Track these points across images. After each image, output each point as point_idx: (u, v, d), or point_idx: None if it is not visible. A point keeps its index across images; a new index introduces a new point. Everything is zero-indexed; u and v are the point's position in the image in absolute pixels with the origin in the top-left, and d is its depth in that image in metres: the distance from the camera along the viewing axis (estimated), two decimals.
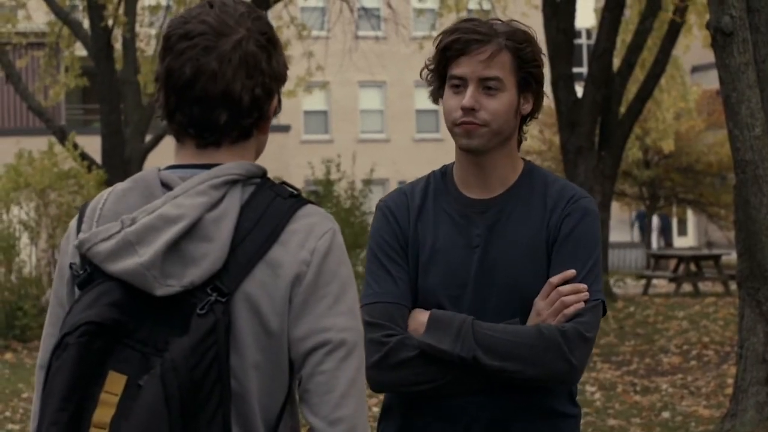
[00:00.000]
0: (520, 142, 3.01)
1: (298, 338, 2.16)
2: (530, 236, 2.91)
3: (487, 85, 2.89)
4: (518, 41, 2.91)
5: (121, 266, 2.10)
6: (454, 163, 3.04)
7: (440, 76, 2.97)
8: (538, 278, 2.88)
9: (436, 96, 3.00)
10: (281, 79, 2.27)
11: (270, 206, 2.18)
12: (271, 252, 2.15)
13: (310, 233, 2.18)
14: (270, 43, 2.24)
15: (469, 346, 2.80)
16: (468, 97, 2.88)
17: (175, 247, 2.11)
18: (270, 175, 2.26)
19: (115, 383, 2.05)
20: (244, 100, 2.20)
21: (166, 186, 2.20)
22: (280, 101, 2.30)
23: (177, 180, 2.20)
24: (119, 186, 2.24)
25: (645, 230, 35.31)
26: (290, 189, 2.23)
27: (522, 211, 2.94)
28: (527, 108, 2.97)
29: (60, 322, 2.20)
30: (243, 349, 2.14)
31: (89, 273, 2.15)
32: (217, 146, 2.23)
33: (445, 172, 3.04)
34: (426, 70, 3.00)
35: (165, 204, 2.13)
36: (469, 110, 2.89)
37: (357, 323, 2.20)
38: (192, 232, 2.12)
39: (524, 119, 2.99)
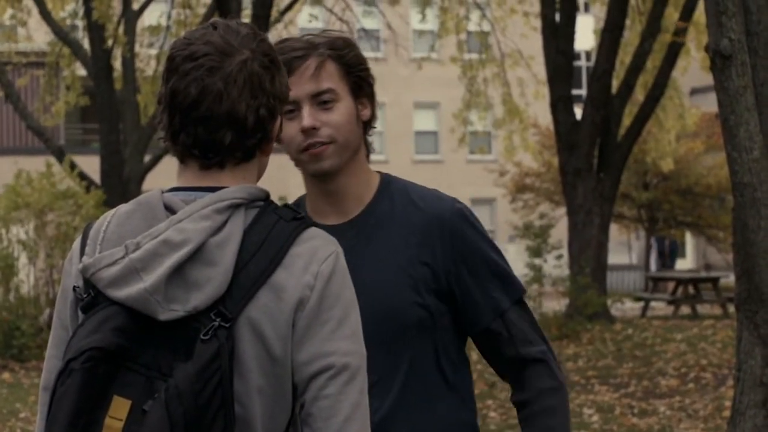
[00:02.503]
0: (368, 154, 2.86)
1: (301, 363, 2.16)
2: (397, 254, 2.73)
3: (321, 100, 2.72)
4: (339, 48, 2.77)
5: (125, 292, 2.10)
6: (305, 194, 2.89)
7: None
8: (414, 299, 2.72)
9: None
10: (284, 99, 2.28)
11: (273, 230, 2.18)
12: (274, 276, 2.15)
13: (313, 257, 2.18)
14: (273, 64, 2.25)
15: None
16: (306, 117, 2.71)
17: (178, 271, 2.10)
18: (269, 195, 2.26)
19: (119, 408, 2.04)
20: (249, 120, 2.20)
21: (169, 209, 2.20)
22: (281, 123, 2.31)
23: (180, 203, 2.20)
24: (122, 208, 2.24)
25: (659, 253, 35.18)
26: (293, 212, 2.23)
27: (385, 229, 2.76)
28: (367, 114, 2.81)
29: (63, 343, 2.20)
30: (247, 373, 2.13)
31: (93, 296, 2.14)
32: (220, 168, 2.23)
33: (298, 204, 2.90)
34: None
35: (169, 229, 2.13)
36: (310, 130, 2.72)
37: (360, 347, 2.19)
38: (196, 256, 2.11)
39: (366, 128, 2.84)
